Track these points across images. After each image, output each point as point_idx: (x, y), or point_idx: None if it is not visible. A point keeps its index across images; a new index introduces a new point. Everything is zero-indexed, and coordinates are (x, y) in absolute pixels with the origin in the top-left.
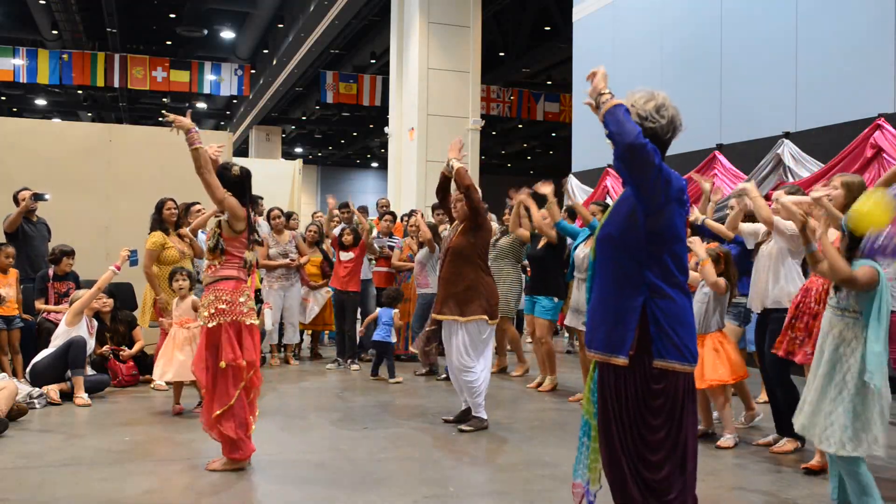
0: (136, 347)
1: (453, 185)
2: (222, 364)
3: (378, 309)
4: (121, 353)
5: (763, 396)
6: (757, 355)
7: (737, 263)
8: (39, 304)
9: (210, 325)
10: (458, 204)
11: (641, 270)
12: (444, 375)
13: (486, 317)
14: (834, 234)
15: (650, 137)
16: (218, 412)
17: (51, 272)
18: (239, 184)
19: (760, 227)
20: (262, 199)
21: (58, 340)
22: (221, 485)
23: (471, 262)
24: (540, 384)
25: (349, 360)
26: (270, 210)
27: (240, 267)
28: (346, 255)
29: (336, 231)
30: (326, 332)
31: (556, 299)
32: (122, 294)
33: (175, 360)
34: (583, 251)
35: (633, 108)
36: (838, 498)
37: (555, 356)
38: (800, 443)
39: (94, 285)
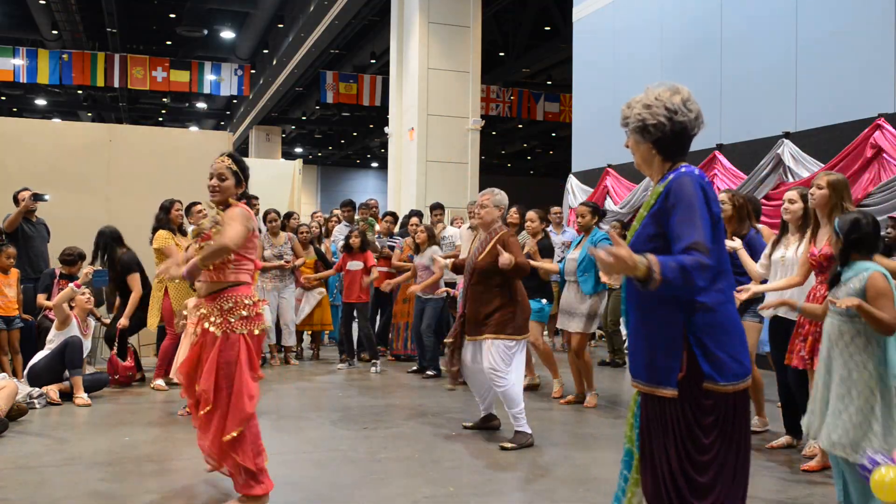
0: (130, 304)
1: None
2: (253, 377)
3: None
4: (103, 322)
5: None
6: (773, 360)
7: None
8: (42, 299)
9: (226, 333)
10: (482, 211)
11: None
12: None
13: (515, 335)
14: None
15: (679, 132)
16: (233, 434)
17: (58, 271)
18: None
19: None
20: (257, 198)
21: (52, 344)
22: (221, 485)
23: (499, 281)
24: (534, 386)
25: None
26: (267, 212)
27: (251, 271)
28: (354, 265)
29: (339, 235)
30: (326, 332)
31: (543, 301)
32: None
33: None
34: (571, 256)
35: (659, 101)
36: (844, 500)
37: (553, 357)
38: (796, 440)
39: (55, 298)
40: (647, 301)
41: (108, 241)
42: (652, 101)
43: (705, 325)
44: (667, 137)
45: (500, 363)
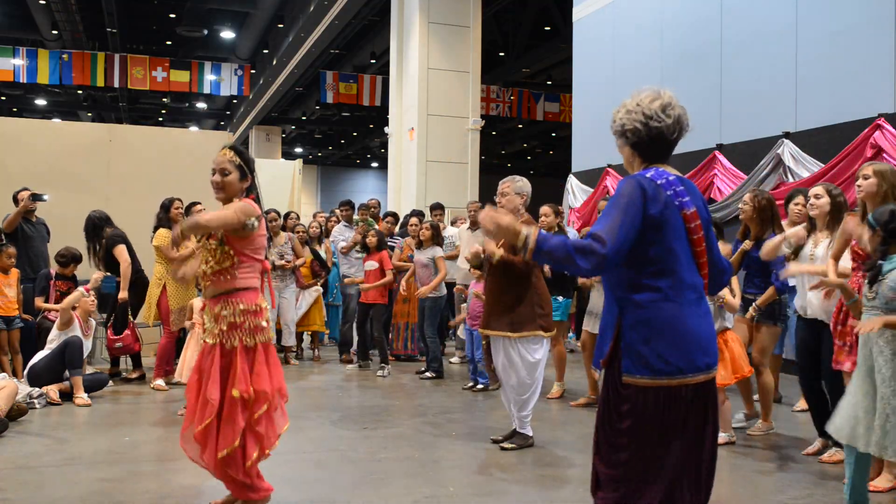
0: (122, 276)
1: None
2: (235, 393)
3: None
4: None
5: (801, 404)
6: (799, 366)
7: (755, 262)
8: (40, 302)
9: (227, 344)
10: (502, 199)
11: (613, 281)
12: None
13: (540, 332)
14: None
15: (656, 137)
16: (223, 452)
17: (53, 272)
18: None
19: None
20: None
21: (52, 344)
22: (222, 485)
23: (518, 271)
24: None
25: (382, 365)
26: (266, 212)
27: (258, 273)
28: (370, 265)
29: (339, 235)
30: (326, 333)
31: (560, 298)
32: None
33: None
34: None
35: (639, 107)
36: (851, 498)
37: (564, 360)
38: (830, 443)
39: (64, 301)
40: (605, 287)
41: (95, 223)
42: (633, 106)
43: (635, 320)
44: (643, 142)
45: (518, 362)
